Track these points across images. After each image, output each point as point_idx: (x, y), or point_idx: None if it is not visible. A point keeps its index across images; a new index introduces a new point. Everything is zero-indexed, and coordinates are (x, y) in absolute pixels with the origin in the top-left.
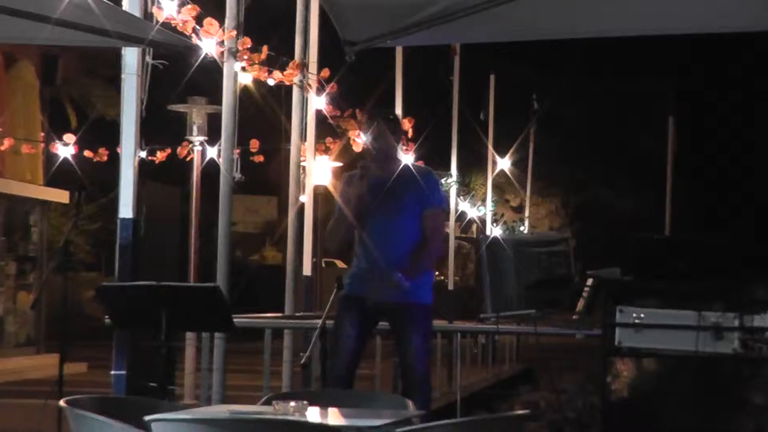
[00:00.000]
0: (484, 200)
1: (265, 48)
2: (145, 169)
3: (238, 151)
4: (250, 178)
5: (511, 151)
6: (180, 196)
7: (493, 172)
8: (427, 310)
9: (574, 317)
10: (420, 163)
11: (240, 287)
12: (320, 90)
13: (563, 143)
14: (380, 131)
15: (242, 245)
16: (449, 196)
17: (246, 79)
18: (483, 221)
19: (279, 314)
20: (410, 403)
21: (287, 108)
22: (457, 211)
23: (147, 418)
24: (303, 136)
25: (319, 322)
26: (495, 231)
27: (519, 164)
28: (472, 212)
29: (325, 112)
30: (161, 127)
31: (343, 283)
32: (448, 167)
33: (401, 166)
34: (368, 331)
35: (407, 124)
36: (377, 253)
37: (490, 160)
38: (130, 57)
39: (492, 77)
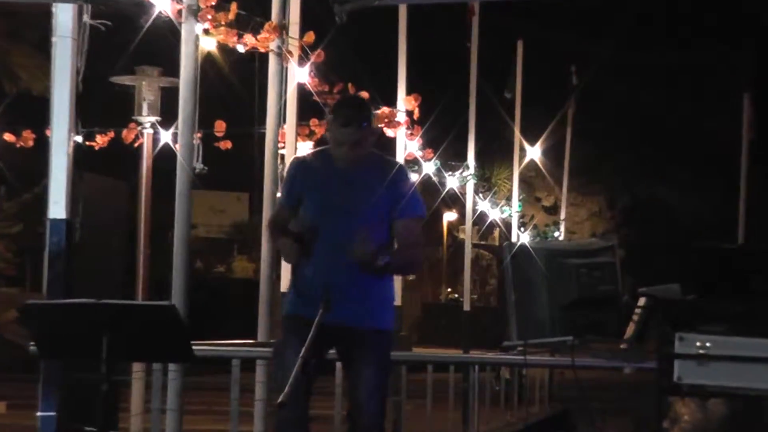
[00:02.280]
0: (509, 199)
1: (233, 5)
2: (81, 158)
3: (199, 135)
4: (214, 170)
5: (543, 137)
6: (126, 191)
7: (520, 163)
8: (386, 338)
9: (621, 346)
10: (428, 153)
11: (201, 306)
12: (303, 59)
13: (608, 128)
14: (354, 141)
15: (205, 254)
16: (466, 192)
17: (209, 44)
18: (507, 225)
19: (250, 341)
20: None
21: (262, 82)
22: (474, 212)
23: None
24: (282, 118)
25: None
26: (522, 237)
27: (553, 154)
28: (494, 214)
29: (309, 87)
30: (102, 104)
31: (285, 301)
32: (463, 157)
33: (369, 157)
34: (319, 360)
35: (412, 103)
36: (330, 262)
37: (517, 148)
38: (64, 16)
39: (519, 44)
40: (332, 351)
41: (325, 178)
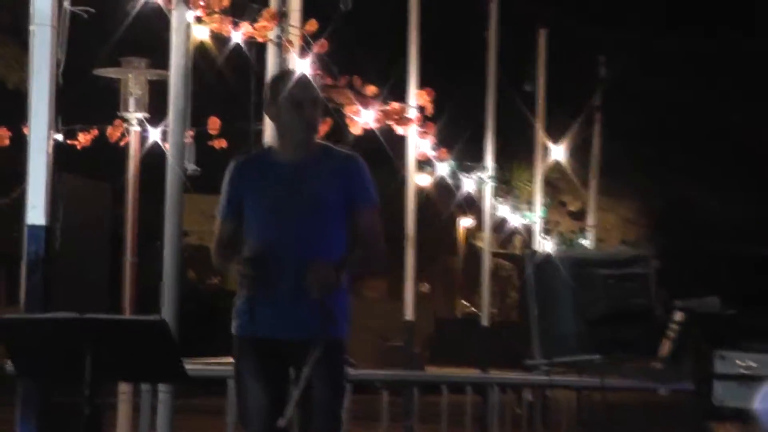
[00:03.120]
0: (531, 203)
1: None
2: (63, 158)
3: (191, 133)
4: (208, 171)
5: (568, 134)
6: (111, 194)
7: (543, 163)
8: (341, 347)
9: (655, 366)
10: (443, 153)
11: (194, 321)
12: (305, 50)
13: (642, 125)
14: (314, 100)
15: (197, 263)
16: (483, 196)
17: (202, 33)
18: (530, 232)
19: None
20: None
21: (260, 75)
22: (493, 217)
23: None
24: None
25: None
26: (546, 245)
27: (579, 153)
28: (515, 220)
29: (314, 81)
30: (85, 99)
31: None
32: (480, 157)
33: (319, 149)
34: (282, 382)
35: (425, 98)
36: (281, 271)
37: (540, 147)
38: (42, 2)
39: (542, 33)
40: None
41: (270, 176)
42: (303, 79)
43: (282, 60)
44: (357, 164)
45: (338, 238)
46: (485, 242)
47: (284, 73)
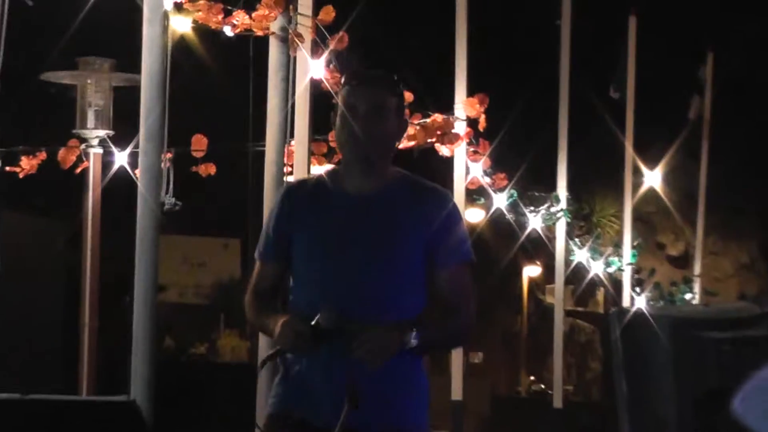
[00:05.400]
0: (617, 246)
1: None
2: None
3: (169, 155)
4: (192, 205)
5: (667, 156)
6: (64, 236)
7: (634, 194)
8: None
9: None
10: (500, 180)
11: (173, 402)
12: (318, 46)
13: (764, 142)
14: (374, 105)
15: (177, 327)
16: (555, 236)
17: (183, 25)
18: (617, 283)
19: None
20: None
21: (260, 78)
22: (568, 265)
23: None
24: (288, 130)
25: None
26: (639, 301)
27: (681, 179)
28: (597, 267)
29: (328, 86)
30: (31, 112)
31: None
32: (551, 185)
33: (398, 180)
34: None
35: (477, 107)
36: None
37: (629, 171)
38: None
39: (631, 21)
40: None
41: (327, 209)
42: (368, 76)
43: (288, 59)
44: (446, 204)
45: (412, 302)
46: (557, 298)
47: (360, 72)
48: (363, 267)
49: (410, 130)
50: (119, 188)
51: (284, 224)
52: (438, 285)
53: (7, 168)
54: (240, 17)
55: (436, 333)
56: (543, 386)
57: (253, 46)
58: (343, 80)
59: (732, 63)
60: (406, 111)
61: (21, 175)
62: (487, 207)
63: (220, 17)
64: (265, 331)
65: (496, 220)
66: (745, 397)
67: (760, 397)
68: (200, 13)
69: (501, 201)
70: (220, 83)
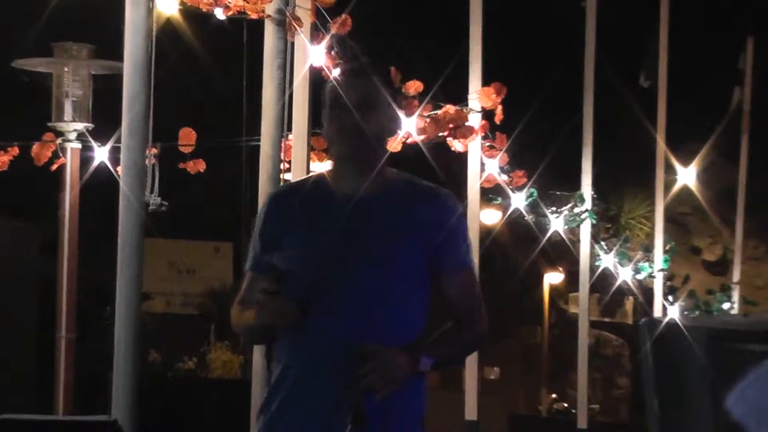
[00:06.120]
0: (648, 250)
1: None
2: None
3: (154, 150)
4: (179, 206)
5: (703, 151)
6: (39, 239)
7: (666, 193)
8: None
9: None
10: (519, 178)
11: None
12: (319, 30)
13: None
14: (365, 97)
15: (164, 339)
16: (579, 239)
17: (169, 7)
18: (647, 292)
19: None
20: None
21: (254, 66)
22: (593, 271)
23: None
24: (285, 122)
25: None
26: (672, 311)
27: (718, 177)
28: (625, 273)
29: (329, 74)
30: (2, 103)
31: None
32: (574, 184)
33: (395, 181)
34: None
35: (493, 98)
36: (332, 344)
37: (661, 168)
38: None
39: (663, 2)
40: None
41: (318, 214)
42: (356, 66)
43: (286, 44)
44: (447, 206)
45: (413, 313)
46: (581, 307)
47: (352, 67)
48: (360, 277)
49: (420, 123)
50: (99, 187)
51: (274, 233)
52: (445, 293)
53: None
54: None
55: (449, 349)
56: (566, 405)
57: (246, 31)
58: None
59: None
60: (414, 102)
61: None
62: (504, 207)
63: (210, 0)
64: (249, 323)
65: (514, 222)
66: (740, 396)
67: (756, 396)
68: None
69: (519, 201)
70: (210, 71)
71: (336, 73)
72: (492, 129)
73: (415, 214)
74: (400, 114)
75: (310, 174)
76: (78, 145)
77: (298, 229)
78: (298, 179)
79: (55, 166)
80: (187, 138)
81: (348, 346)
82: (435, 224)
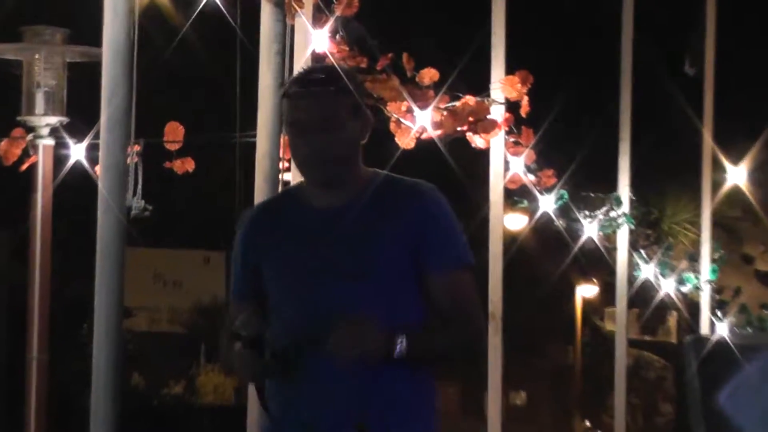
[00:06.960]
0: (693, 259)
1: None
2: None
3: (137, 148)
4: (166, 210)
5: (756, 147)
6: (7, 247)
7: (714, 194)
8: None
9: None
10: (547, 177)
11: None
12: (322, 12)
13: None
14: (322, 118)
15: (149, 360)
16: (616, 246)
17: None
18: (693, 306)
19: None
20: None
21: (249, 53)
22: (632, 282)
23: None
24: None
25: None
26: (721, 328)
27: None
28: (668, 285)
29: (333, 60)
30: None
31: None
32: (610, 185)
33: (372, 183)
34: None
35: (518, 87)
36: (309, 371)
37: (709, 167)
38: None
39: None
40: None
41: (296, 229)
42: (307, 83)
43: (285, 28)
44: (429, 201)
45: (400, 313)
46: (619, 324)
47: (307, 69)
48: (342, 291)
49: (435, 116)
50: (75, 189)
51: (251, 256)
52: (434, 296)
53: None
54: None
55: (432, 340)
56: None
57: (240, 12)
58: (282, 91)
59: None
60: (429, 93)
61: None
62: (531, 211)
63: None
64: (236, 370)
65: (543, 228)
66: (731, 394)
67: (746, 394)
68: None
69: (548, 204)
70: (200, 59)
71: (282, 95)
72: (517, 123)
73: (396, 216)
74: (406, 109)
75: (287, 187)
76: (51, 142)
77: (274, 252)
78: (270, 197)
79: (25, 166)
80: (174, 134)
81: (331, 363)
82: (419, 223)
